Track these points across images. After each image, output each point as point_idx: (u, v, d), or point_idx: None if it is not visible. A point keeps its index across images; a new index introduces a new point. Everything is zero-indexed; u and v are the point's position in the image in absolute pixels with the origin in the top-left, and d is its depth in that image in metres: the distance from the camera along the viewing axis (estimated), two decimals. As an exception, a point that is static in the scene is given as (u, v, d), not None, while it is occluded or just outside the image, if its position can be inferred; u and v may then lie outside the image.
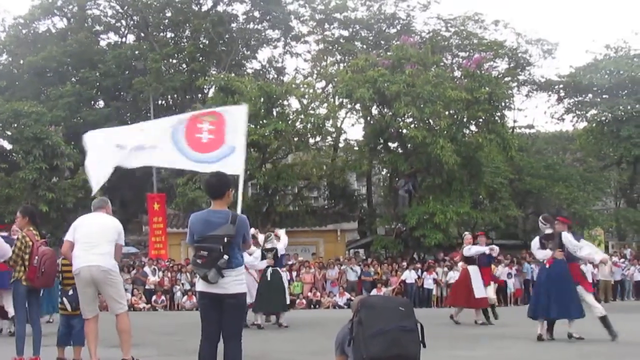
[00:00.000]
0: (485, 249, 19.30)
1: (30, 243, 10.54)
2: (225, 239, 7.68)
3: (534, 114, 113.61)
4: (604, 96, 45.87)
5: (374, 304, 6.02)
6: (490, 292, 19.73)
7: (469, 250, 19.14)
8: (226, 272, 7.68)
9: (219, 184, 8.12)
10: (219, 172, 8.40)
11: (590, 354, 12.74)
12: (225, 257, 7.63)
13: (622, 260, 36.48)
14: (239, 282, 7.87)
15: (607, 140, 46.11)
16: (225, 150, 12.33)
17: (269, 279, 17.77)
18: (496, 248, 20.24)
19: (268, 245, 18.10)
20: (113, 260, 10.26)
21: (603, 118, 46.17)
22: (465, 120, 37.09)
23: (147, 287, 30.62)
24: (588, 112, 47.14)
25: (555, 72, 49.70)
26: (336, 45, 47.09)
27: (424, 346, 5.77)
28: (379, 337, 5.60)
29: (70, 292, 10.61)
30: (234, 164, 11.99)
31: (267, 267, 17.86)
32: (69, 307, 10.70)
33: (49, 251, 10.68)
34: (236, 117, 12.93)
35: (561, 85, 48.00)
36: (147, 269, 31.48)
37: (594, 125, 47.79)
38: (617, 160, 47.51)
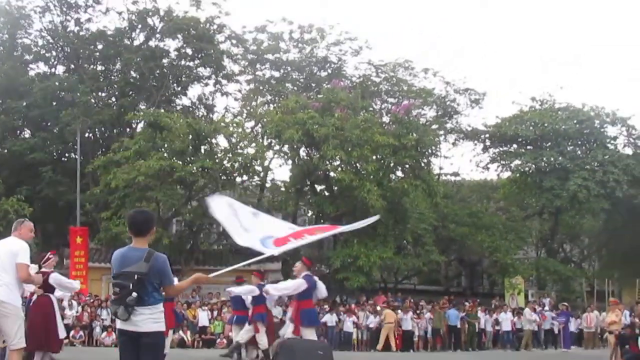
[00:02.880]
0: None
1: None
2: (136, 276, 7.60)
3: (459, 162, 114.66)
4: (528, 147, 46.55)
5: (294, 347, 6.07)
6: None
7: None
8: (139, 309, 7.61)
9: (144, 221, 8.04)
10: (145, 209, 8.35)
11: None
12: (134, 294, 7.55)
13: (541, 309, 36.89)
14: (154, 320, 7.76)
15: (530, 191, 46.93)
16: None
17: None
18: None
19: None
20: (14, 292, 9.91)
21: (527, 168, 46.96)
22: (392, 165, 37.50)
23: (65, 322, 30.09)
24: (512, 162, 47.72)
25: (482, 122, 50.26)
26: (267, 86, 47.19)
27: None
28: (298, 380, 5.62)
29: None
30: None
31: None
32: None
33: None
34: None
35: (487, 135, 48.60)
36: (65, 303, 30.97)
37: (517, 175, 48.55)
38: (539, 210, 48.31)
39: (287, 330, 14.97)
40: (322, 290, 15.38)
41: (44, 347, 13.96)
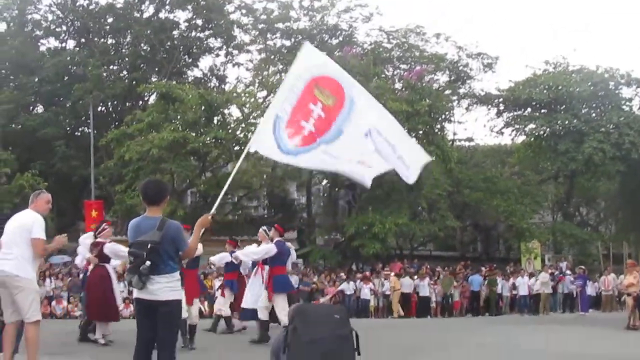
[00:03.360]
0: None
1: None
2: (149, 245, 7.56)
3: (473, 127, 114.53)
4: (542, 111, 46.34)
5: (309, 312, 5.98)
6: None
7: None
8: (156, 278, 7.57)
9: (157, 190, 8.03)
10: (157, 179, 8.27)
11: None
12: (148, 263, 7.50)
13: (558, 272, 36.85)
14: (170, 288, 7.72)
15: (544, 154, 46.70)
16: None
17: None
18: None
19: None
20: (25, 265, 9.76)
21: (541, 132, 46.73)
22: (405, 131, 37.24)
23: (82, 294, 30.21)
24: (526, 126, 47.56)
25: (495, 86, 50.00)
26: (278, 55, 46.98)
27: (359, 354, 5.75)
28: (314, 345, 5.56)
29: None
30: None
31: None
32: None
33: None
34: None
35: (500, 99, 48.37)
36: (82, 277, 31.04)
37: (532, 139, 48.32)
38: (554, 174, 48.10)
39: (261, 298, 15.02)
40: (293, 256, 15.58)
41: (105, 317, 14.20)
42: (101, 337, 14.19)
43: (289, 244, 15.49)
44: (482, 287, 33.87)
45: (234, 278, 17.46)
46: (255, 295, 15.48)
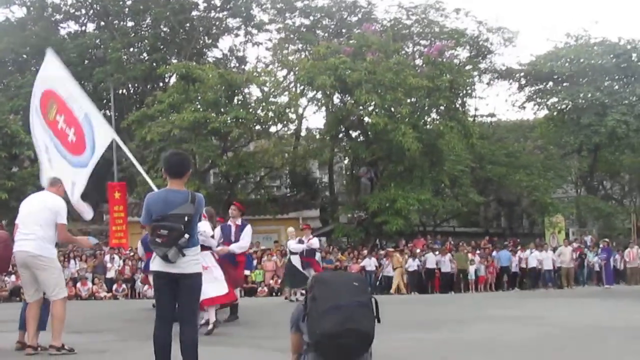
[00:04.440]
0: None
1: (-16, 227, 10.37)
2: (186, 218, 7.54)
3: (495, 102, 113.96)
4: (564, 84, 46.12)
5: (328, 279, 5.94)
6: None
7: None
8: (185, 251, 7.55)
9: (181, 163, 7.94)
10: (181, 152, 8.24)
11: (549, 334, 12.77)
12: (186, 235, 7.50)
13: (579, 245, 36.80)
14: (195, 262, 7.75)
15: (567, 128, 46.43)
16: (87, 129, 11.55)
17: None
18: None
19: None
20: (47, 245, 9.85)
21: (563, 106, 46.49)
22: (426, 107, 37.28)
23: (107, 276, 30.43)
24: (549, 100, 47.36)
25: (516, 61, 49.98)
26: (297, 34, 46.96)
27: (379, 321, 5.73)
28: (333, 312, 5.51)
29: None
30: (101, 133, 11.41)
31: None
32: None
33: (4, 235, 10.49)
34: (54, 75, 11.84)
35: (522, 74, 48.18)
36: (107, 258, 31.28)
37: (554, 113, 48.10)
38: (577, 148, 47.80)
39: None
40: None
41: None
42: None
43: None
44: (510, 262, 33.90)
45: None
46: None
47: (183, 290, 7.69)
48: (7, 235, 10.48)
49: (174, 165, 7.93)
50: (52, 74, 11.48)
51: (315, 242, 22.37)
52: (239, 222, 15.18)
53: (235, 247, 14.84)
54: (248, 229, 15.15)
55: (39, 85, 11.86)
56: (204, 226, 14.36)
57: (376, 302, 5.79)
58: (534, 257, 33.98)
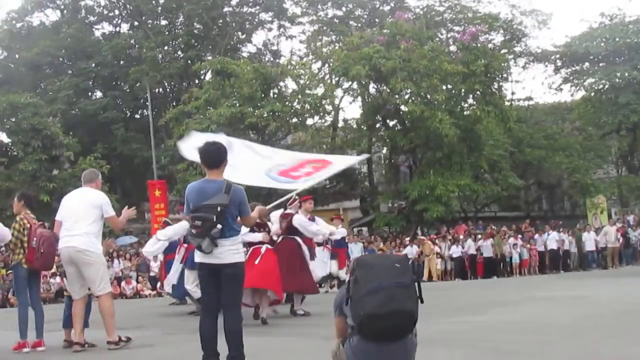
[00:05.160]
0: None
1: (28, 225, 10.44)
2: (219, 208, 7.59)
3: (531, 85, 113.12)
4: (600, 64, 45.76)
5: (370, 262, 5.98)
6: None
7: None
8: (220, 241, 7.62)
9: (218, 153, 7.99)
10: (217, 142, 8.27)
11: (594, 315, 12.72)
12: (219, 226, 7.56)
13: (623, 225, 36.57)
14: (235, 251, 7.82)
15: (605, 108, 45.99)
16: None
17: None
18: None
19: None
20: (92, 240, 9.96)
21: (600, 86, 46.14)
22: (462, 93, 37.20)
23: (151, 274, 30.61)
24: (585, 81, 46.99)
25: (551, 43, 49.77)
26: (330, 26, 46.99)
27: (422, 301, 5.76)
28: (375, 293, 5.54)
29: None
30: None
31: None
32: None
33: (48, 233, 10.56)
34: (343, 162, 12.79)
35: (557, 56, 47.92)
36: (150, 257, 31.43)
37: (591, 94, 47.72)
38: (616, 127, 47.36)
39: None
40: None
41: (302, 288, 14.28)
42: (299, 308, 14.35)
43: None
44: (560, 244, 33.81)
45: None
46: (177, 272, 15.99)
47: (224, 279, 7.77)
48: (51, 234, 10.58)
49: (210, 155, 8.01)
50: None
51: (342, 232, 21.72)
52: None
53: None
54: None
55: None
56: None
57: (419, 283, 5.83)
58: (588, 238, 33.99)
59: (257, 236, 14.10)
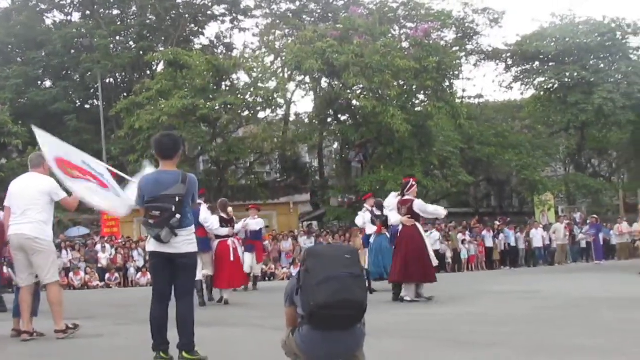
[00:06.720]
0: None
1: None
2: (177, 198, 7.63)
3: (482, 83, 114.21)
4: (550, 64, 46.19)
5: (321, 252, 6.06)
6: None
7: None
8: (178, 231, 7.66)
9: (172, 144, 8.01)
10: (171, 133, 8.29)
11: (546, 308, 12.93)
12: (178, 216, 7.59)
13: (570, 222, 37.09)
14: (189, 241, 7.85)
15: (554, 107, 46.49)
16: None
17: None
18: None
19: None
20: (43, 227, 9.84)
21: (550, 85, 46.61)
22: (414, 89, 37.44)
23: (99, 265, 30.46)
24: (535, 80, 47.43)
25: (503, 41, 49.76)
26: (284, 19, 46.94)
27: (370, 292, 5.86)
28: (326, 283, 5.62)
29: None
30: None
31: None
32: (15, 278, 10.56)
33: (-3, 221, 10.51)
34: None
35: (508, 54, 48.23)
36: (98, 247, 31.29)
37: (541, 92, 48.18)
38: (565, 126, 47.87)
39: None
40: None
41: (423, 277, 14.28)
42: (414, 296, 14.19)
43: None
44: (517, 240, 34.45)
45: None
46: None
47: (179, 269, 7.81)
48: (1, 222, 10.47)
49: (165, 146, 8.00)
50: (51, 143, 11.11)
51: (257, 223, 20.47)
52: None
53: None
54: None
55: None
56: (210, 219, 14.75)
57: (368, 274, 5.91)
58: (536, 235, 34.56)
59: (224, 230, 14.58)
